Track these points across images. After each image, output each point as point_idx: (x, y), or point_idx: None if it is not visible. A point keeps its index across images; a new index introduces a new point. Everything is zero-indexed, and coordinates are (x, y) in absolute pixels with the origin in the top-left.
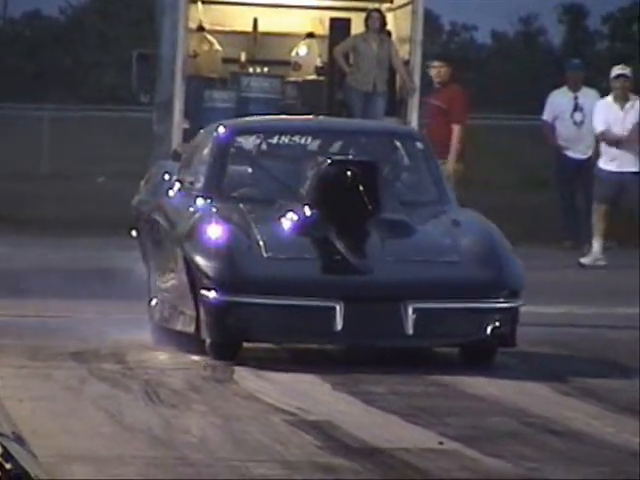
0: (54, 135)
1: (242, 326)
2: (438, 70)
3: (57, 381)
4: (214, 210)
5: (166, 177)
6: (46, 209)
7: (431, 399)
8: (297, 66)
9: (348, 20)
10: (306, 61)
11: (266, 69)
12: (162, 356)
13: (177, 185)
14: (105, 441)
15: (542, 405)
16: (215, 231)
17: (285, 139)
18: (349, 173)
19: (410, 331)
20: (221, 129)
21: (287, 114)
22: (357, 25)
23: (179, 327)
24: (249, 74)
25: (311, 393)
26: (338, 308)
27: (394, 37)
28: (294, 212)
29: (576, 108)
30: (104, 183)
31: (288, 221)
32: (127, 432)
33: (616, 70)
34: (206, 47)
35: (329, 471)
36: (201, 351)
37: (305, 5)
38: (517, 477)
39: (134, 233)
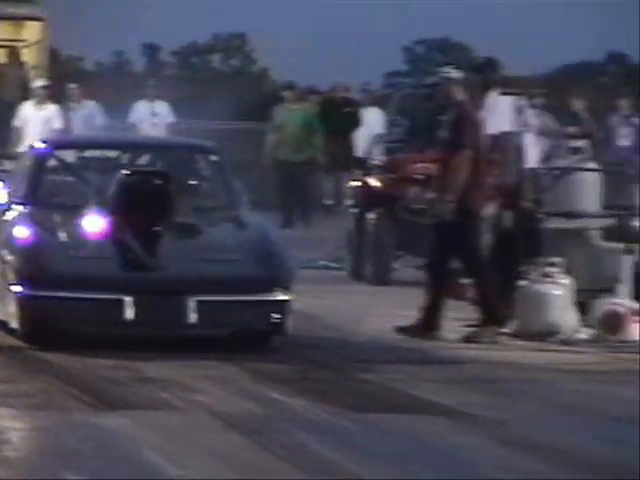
0: None
1: (46, 317)
2: None
3: None
4: (26, 215)
5: None
6: None
7: None
8: None
9: None
10: None
11: None
12: None
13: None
14: None
15: None
16: (23, 232)
17: (97, 152)
18: (145, 182)
19: (193, 321)
20: (39, 144)
21: None
22: (3, 57)
23: (1, 317)
24: None
25: None
26: (128, 300)
27: (29, 65)
28: (96, 216)
29: (154, 114)
30: None
31: (91, 224)
32: None
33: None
34: None
35: None
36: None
37: None
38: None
39: None
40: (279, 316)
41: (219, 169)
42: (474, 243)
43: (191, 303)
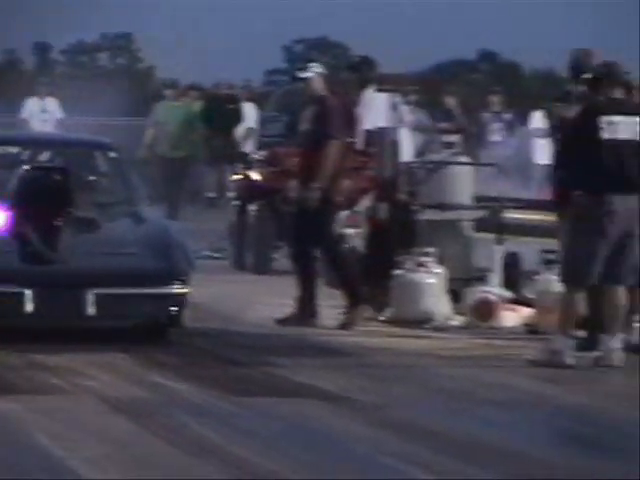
0: None
1: None
2: None
3: None
4: None
5: None
6: None
7: None
8: None
9: None
10: None
11: None
12: None
13: None
14: None
15: None
16: None
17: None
18: (45, 177)
19: (91, 314)
20: None
21: None
22: None
23: None
24: None
25: None
26: (28, 293)
27: None
28: None
29: (44, 111)
30: None
31: None
32: None
33: None
34: None
35: None
36: None
37: None
38: None
39: None
40: (176, 308)
41: (118, 165)
42: (330, 231)
43: (90, 296)
